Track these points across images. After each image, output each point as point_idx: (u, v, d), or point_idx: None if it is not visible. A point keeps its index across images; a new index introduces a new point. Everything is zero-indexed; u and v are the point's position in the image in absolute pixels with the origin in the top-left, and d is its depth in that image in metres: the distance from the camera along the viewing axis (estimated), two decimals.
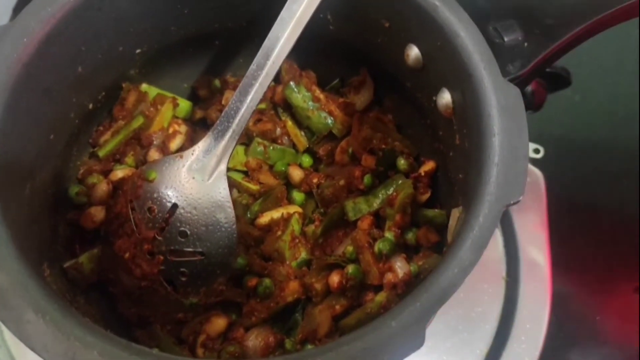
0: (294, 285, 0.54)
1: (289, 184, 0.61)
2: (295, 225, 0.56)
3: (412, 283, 0.51)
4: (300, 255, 0.56)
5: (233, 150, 0.52)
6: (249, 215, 0.58)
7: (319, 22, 0.58)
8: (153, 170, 0.53)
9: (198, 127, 0.63)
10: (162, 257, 0.51)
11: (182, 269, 0.52)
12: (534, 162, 0.75)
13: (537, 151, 0.77)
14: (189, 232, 0.51)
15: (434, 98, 0.52)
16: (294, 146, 0.63)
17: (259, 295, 0.54)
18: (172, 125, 0.61)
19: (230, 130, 0.51)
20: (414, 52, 0.52)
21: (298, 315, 0.54)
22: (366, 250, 0.53)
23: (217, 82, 0.63)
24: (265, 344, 0.51)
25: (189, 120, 0.63)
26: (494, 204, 0.41)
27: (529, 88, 0.60)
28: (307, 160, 0.62)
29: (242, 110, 0.51)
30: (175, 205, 0.52)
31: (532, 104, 0.62)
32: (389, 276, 0.51)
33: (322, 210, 0.59)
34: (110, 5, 0.50)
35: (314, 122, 0.61)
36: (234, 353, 0.51)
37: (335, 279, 0.53)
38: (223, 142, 0.51)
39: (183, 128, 0.61)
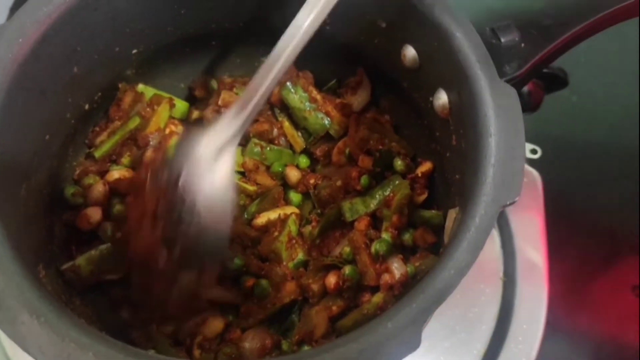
0: (290, 286, 0.54)
1: (286, 185, 0.61)
2: (292, 226, 0.56)
3: (409, 284, 0.51)
4: (297, 256, 0.56)
5: (248, 124, 0.49)
6: (246, 216, 0.58)
7: None
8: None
9: (195, 127, 0.63)
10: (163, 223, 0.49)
11: (179, 240, 0.49)
12: (532, 162, 0.75)
13: (534, 152, 0.77)
14: (191, 205, 0.49)
15: (430, 99, 0.52)
16: (291, 147, 0.63)
17: (256, 296, 0.54)
18: (169, 126, 0.61)
19: (253, 103, 0.48)
20: (410, 52, 0.52)
21: (295, 317, 0.54)
22: (363, 251, 0.53)
23: (213, 83, 0.63)
24: (261, 345, 0.51)
25: (185, 120, 0.63)
26: (491, 204, 0.41)
27: (526, 89, 0.60)
28: (304, 161, 0.62)
29: (266, 84, 0.48)
30: (182, 175, 0.49)
31: (529, 105, 0.62)
32: (386, 277, 0.51)
33: (319, 211, 0.59)
34: (106, 6, 0.50)
35: (311, 122, 0.61)
36: (230, 354, 0.51)
37: (332, 279, 0.53)
38: (245, 114, 0.48)
39: (180, 128, 0.61)
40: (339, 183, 0.58)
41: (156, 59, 0.60)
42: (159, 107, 0.60)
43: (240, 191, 0.59)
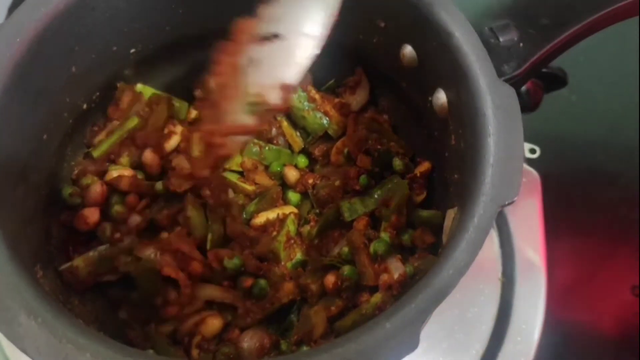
0: (289, 286, 0.54)
1: (284, 185, 0.61)
2: (290, 226, 0.56)
3: (408, 284, 0.50)
4: (295, 256, 0.56)
5: None
6: (244, 216, 0.58)
7: None
8: None
9: (193, 127, 0.63)
10: None
11: None
12: (530, 162, 0.75)
13: (533, 151, 0.77)
14: None
15: (429, 98, 0.52)
16: (289, 147, 0.63)
17: (254, 296, 0.53)
18: (168, 126, 0.60)
19: None
20: (409, 52, 0.52)
21: (293, 317, 0.54)
22: (362, 251, 0.53)
23: (212, 82, 0.63)
24: (260, 345, 0.51)
25: (184, 120, 0.63)
26: (489, 204, 0.41)
27: (525, 88, 0.60)
28: (302, 160, 0.62)
29: None
30: None
31: (528, 104, 0.62)
32: (385, 277, 0.51)
33: (317, 210, 0.59)
34: (104, 5, 0.50)
35: (309, 122, 0.61)
36: (229, 354, 0.51)
37: (330, 279, 0.53)
38: None
39: (178, 128, 0.61)
40: (337, 183, 0.58)
41: (155, 59, 0.60)
42: (157, 107, 0.60)
43: (239, 191, 0.59)
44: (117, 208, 0.56)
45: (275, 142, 0.62)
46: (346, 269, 0.53)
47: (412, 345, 0.37)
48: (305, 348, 0.51)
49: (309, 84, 0.62)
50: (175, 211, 0.57)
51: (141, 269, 0.52)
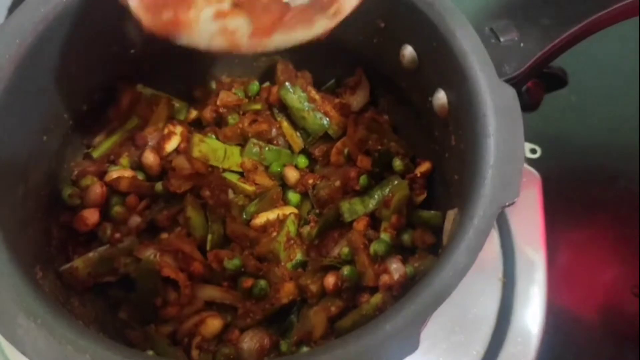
0: (289, 287, 0.54)
1: (284, 185, 0.61)
2: (290, 227, 0.56)
3: (408, 285, 0.50)
4: (295, 257, 0.56)
5: None
6: (244, 216, 0.58)
7: None
8: None
9: (193, 127, 0.63)
10: None
11: None
12: (531, 162, 0.75)
13: (533, 151, 0.77)
14: None
15: (429, 99, 0.52)
16: (289, 147, 0.63)
17: (254, 297, 0.53)
18: (167, 126, 0.60)
19: None
20: (409, 52, 0.52)
21: (293, 317, 0.54)
22: (362, 252, 0.53)
23: (212, 83, 0.63)
24: (260, 346, 0.51)
25: (184, 121, 0.63)
26: (489, 205, 0.41)
27: (525, 88, 0.60)
28: (302, 161, 0.62)
29: None
30: None
31: (529, 105, 0.62)
32: (385, 278, 0.51)
33: (317, 211, 0.59)
34: (104, 6, 0.50)
35: (309, 122, 0.61)
36: (229, 355, 0.51)
37: (330, 280, 0.53)
38: None
39: (178, 129, 0.61)
40: (337, 183, 0.58)
41: (154, 59, 0.60)
42: (157, 108, 0.60)
43: (239, 191, 0.59)
44: (117, 209, 0.56)
45: (275, 142, 0.62)
46: (346, 270, 0.53)
47: (413, 346, 0.37)
48: (305, 349, 0.51)
49: (309, 84, 0.62)
50: (175, 212, 0.57)
51: (141, 269, 0.52)
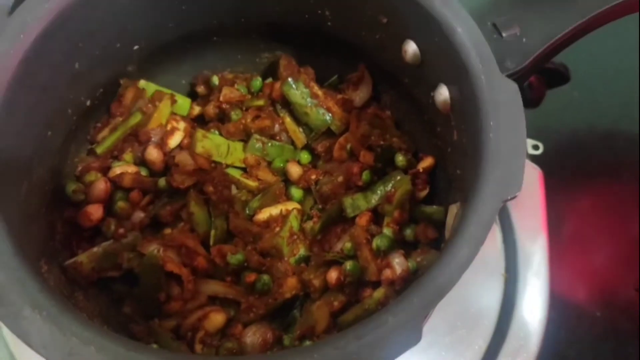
0: (292, 282, 0.54)
1: (287, 181, 0.61)
2: (293, 222, 0.56)
3: (410, 279, 0.51)
4: (298, 252, 0.56)
5: None
6: (247, 212, 0.58)
7: (316, 19, 0.58)
8: None
9: (196, 123, 0.63)
10: None
11: None
12: (533, 158, 0.75)
13: (536, 147, 0.77)
14: None
15: (431, 94, 0.52)
16: (292, 143, 0.63)
17: (257, 292, 0.54)
18: (171, 122, 0.61)
19: None
20: (411, 48, 0.52)
21: (296, 312, 0.54)
22: (364, 247, 0.53)
23: (215, 79, 0.63)
24: (263, 340, 0.51)
25: (187, 116, 0.63)
26: (491, 199, 0.41)
27: (527, 84, 0.60)
28: (305, 156, 0.62)
29: None
30: None
31: (531, 100, 0.62)
32: (387, 272, 0.51)
33: (320, 206, 0.59)
34: (107, 2, 0.50)
35: (312, 118, 0.61)
36: (232, 349, 0.51)
37: (333, 275, 0.53)
38: None
39: (181, 125, 0.61)
40: (340, 179, 0.58)
41: (158, 55, 0.60)
42: (160, 103, 0.60)
43: (242, 187, 0.59)
44: (121, 204, 0.56)
45: (278, 138, 0.62)
46: (349, 265, 0.53)
47: (415, 339, 0.37)
48: (308, 343, 0.51)
49: (311, 80, 0.62)
50: (178, 207, 0.57)
51: (144, 264, 0.53)
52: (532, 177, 0.71)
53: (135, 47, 0.57)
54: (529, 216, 0.70)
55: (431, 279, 0.39)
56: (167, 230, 0.56)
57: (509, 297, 0.65)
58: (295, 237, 0.56)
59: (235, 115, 0.62)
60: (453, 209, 0.49)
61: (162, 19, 0.57)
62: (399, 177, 0.56)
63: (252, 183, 0.60)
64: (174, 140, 0.60)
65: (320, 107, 0.61)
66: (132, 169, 0.58)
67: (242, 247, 0.56)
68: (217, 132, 0.62)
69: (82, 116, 0.56)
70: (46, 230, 0.51)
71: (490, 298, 0.64)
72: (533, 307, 0.64)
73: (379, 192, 0.56)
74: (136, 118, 0.59)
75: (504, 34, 0.50)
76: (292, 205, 0.58)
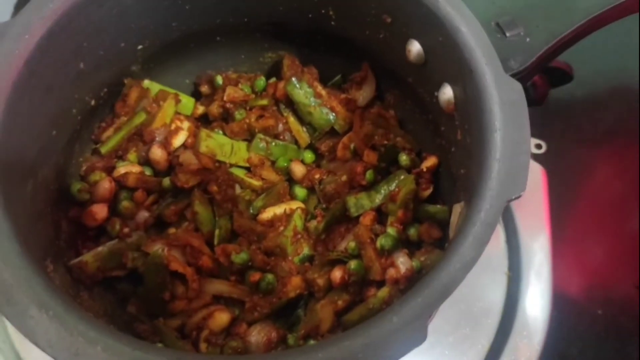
0: (296, 281, 0.54)
1: (291, 180, 0.61)
2: (297, 221, 0.57)
3: (414, 278, 0.51)
4: (302, 251, 0.56)
5: None
6: (251, 211, 0.58)
7: (320, 18, 0.58)
8: None
9: (200, 123, 0.63)
10: None
11: None
12: (536, 157, 0.75)
13: (539, 147, 0.77)
14: None
15: (435, 93, 0.52)
16: (296, 142, 0.63)
17: (262, 291, 0.54)
18: (175, 122, 0.61)
19: None
20: (415, 47, 0.52)
21: (300, 311, 0.55)
22: (368, 246, 0.53)
23: (218, 78, 0.63)
24: (267, 340, 0.52)
25: (191, 116, 0.63)
26: (496, 199, 0.41)
27: (531, 83, 0.60)
28: (309, 156, 0.62)
29: None
30: None
31: (534, 99, 0.62)
32: (391, 272, 0.51)
33: (324, 206, 0.59)
34: (112, 1, 0.50)
35: (315, 118, 0.61)
36: (236, 348, 0.51)
37: (337, 274, 0.53)
38: None
39: (185, 124, 0.61)
40: (344, 178, 0.58)
41: (162, 55, 0.60)
42: (164, 103, 0.60)
43: (246, 186, 0.59)
44: (125, 204, 0.56)
45: (281, 137, 0.62)
46: (353, 264, 0.53)
47: (420, 339, 0.37)
48: (312, 342, 0.51)
49: (315, 79, 0.62)
50: (182, 207, 0.57)
51: (149, 264, 0.53)
52: (535, 176, 0.71)
53: (140, 47, 0.57)
54: (532, 215, 0.70)
55: (436, 278, 0.39)
56: (172, 230, 0.57)
57: (512, 296, 0.65)
58: (299, 236, 0.56)
59: (239, 114, 0.62)
60: (457, 209, 0.49)
61: (166, 18, 0.57)
62: (402, 177, 0.56)
63: (256, 182, 0.60)
64: (178, 140, 0.60)
65: (324, 107, 0.61)
66: (136, 168, 0.58)
67: (247, 247, 0.56)
68: (221, 131, 0.62)
69: (87, 116, 0.56)
70: (51, 230, 0.51)
71: (493, 297, 0.64)
72: (536, 306, 0.64)
73: (382, 191, 0.56)
74: (140, 118, 0.59)
75: (507, 34, 0.50)
76: (296, 205, 0.58)
